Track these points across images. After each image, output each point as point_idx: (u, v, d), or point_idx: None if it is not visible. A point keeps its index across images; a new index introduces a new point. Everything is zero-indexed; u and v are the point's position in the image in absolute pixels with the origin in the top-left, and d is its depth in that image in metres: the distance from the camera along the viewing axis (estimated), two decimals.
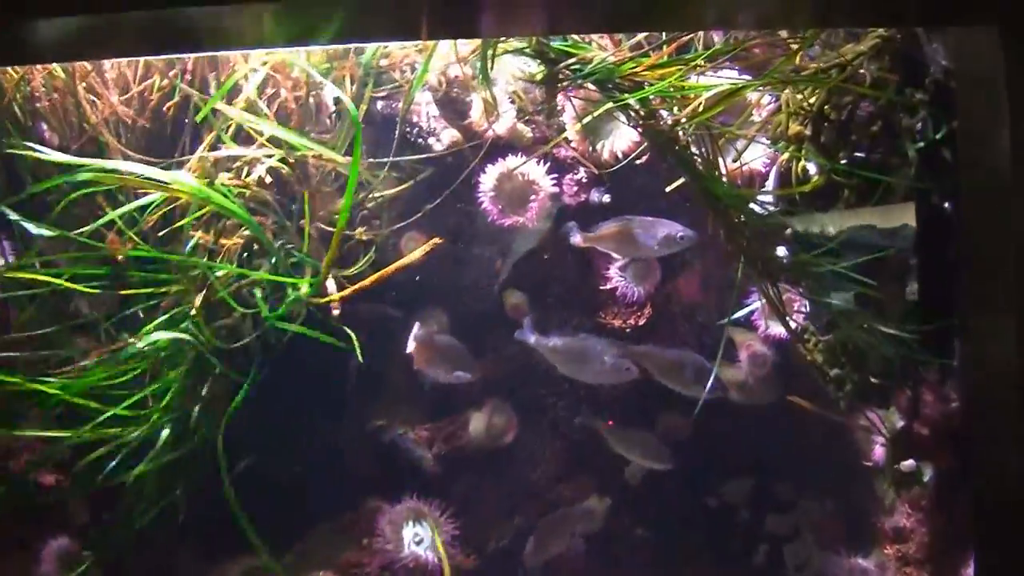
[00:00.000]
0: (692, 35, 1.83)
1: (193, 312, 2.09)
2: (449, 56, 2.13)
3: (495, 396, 2.61)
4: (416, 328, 2.42)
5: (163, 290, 2.15)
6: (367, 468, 2.60)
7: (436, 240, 2.20)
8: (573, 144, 2.39)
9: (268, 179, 2.17)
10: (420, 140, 2.47)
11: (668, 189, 2.14)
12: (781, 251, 2.11)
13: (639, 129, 1.90)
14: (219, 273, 2.11)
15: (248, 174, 2.15)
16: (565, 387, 2.58)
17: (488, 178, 2.37)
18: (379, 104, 2.38)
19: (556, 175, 2.41)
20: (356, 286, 2.11)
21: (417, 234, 2.44)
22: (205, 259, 2.13)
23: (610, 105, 1.89)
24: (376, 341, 2.27)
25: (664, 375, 2.41)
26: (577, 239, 2.37)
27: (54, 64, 2.10)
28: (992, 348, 1.47)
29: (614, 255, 2.44)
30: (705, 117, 1.80)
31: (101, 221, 2.03)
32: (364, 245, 2.35)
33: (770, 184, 2.14)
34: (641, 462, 2.48)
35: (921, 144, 1.84)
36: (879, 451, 2.24)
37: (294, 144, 2.05)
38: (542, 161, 2.37)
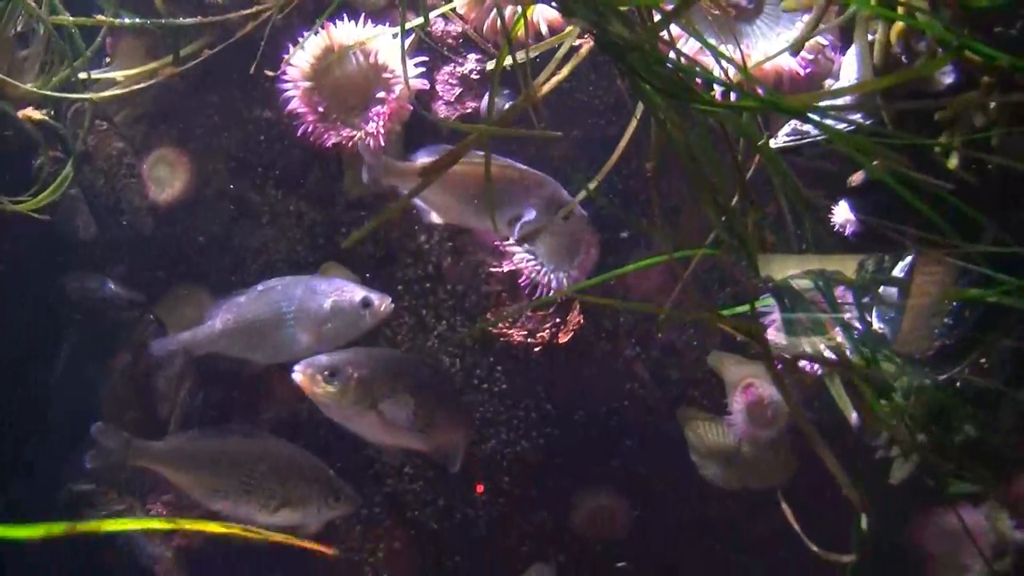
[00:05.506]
0: None
1: None
2: None
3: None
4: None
5: None
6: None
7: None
8: (460, 11, 1.79)
9: None
10: None
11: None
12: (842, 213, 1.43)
13: None
14: None
15: None
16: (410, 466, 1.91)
17: (301, 58, 1.78)
18: None
19: (425, 61, 1.81)
20: None
21: (172, 153, 1.96)
22: None
23: None
24: (92, 346, 1.95)
25: None
26: (369, 173, 1.63)
27: None
28: None
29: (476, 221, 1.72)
30: None
31: None
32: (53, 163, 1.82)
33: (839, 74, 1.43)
34: None
35: None
36: None
37: None
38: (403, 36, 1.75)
